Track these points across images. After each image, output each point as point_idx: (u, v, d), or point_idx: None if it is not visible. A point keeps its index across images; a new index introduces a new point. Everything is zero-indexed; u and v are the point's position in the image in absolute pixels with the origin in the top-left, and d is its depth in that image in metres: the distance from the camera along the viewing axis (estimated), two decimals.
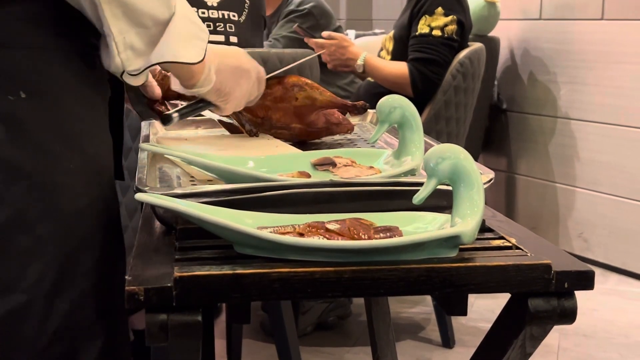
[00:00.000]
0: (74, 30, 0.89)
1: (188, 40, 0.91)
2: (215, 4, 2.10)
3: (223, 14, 2.10)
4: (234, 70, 1.09)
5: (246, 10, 2.14)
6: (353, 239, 0.80)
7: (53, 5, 0.86)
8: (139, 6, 0.85)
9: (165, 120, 1.07)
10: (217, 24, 2.10)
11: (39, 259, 0.84)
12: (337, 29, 2.86)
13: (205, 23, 2.07)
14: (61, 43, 0.87)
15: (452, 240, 0.78)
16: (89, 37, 0.91)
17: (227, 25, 2.10)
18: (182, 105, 1.10)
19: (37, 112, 0.84)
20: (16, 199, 0.83)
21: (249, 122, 1.27)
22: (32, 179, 0.84)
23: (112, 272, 0.93)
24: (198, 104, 1.09)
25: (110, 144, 0.97)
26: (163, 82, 1.28)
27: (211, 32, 2.10)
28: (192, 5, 0.96)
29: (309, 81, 1.25)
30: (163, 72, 1.33)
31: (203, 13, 2.09)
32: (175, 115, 1.07)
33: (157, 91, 1.18)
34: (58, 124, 0.86)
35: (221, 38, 2.08)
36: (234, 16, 2.11)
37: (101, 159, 0.93)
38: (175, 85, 1.04)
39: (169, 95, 1.29)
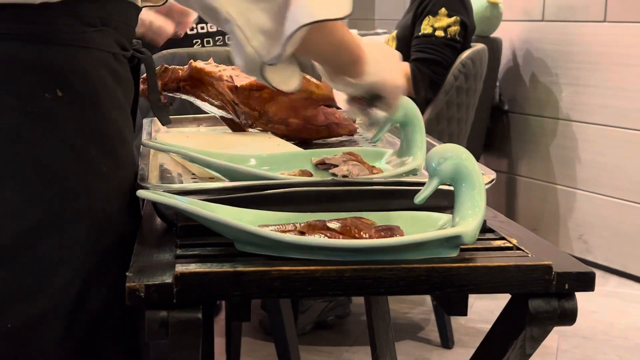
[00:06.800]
0: (113, 29, 0.84)
1: None
2: None
3: None
4: (387, 57, 0.92)
5: None
6: (354, 238, 0.80)
7: (98, 2, 0.82)
8: None
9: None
10: (217, 38, 2.07)
11: (67, 265, 0.79)
12: None
13: (205, 39, 2.03)
14: (101, 42, 0.83)
15: (453, 240, 0.78)
16: (121, 38, 0.87)
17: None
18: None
19: (73, 113, 0.80)
20: (48, 201, 0.78)
21: (245, 115, 1.26)
22: (65, 182, 0.79)
23: None
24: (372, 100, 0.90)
25: (133, 145, 0.92)
26: (164, 73, 1.27)
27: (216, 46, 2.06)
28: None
29: (306, 75, 1.24)
30: (164, 65, 1.32)
31: (203, 28, 2.05)
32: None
33: (169, 29, 1.08)
34: (93, 126, 0.82)
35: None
36: None
37: (130, 162, 0.89)
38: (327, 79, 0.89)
39: (169, 86, 1.29)
